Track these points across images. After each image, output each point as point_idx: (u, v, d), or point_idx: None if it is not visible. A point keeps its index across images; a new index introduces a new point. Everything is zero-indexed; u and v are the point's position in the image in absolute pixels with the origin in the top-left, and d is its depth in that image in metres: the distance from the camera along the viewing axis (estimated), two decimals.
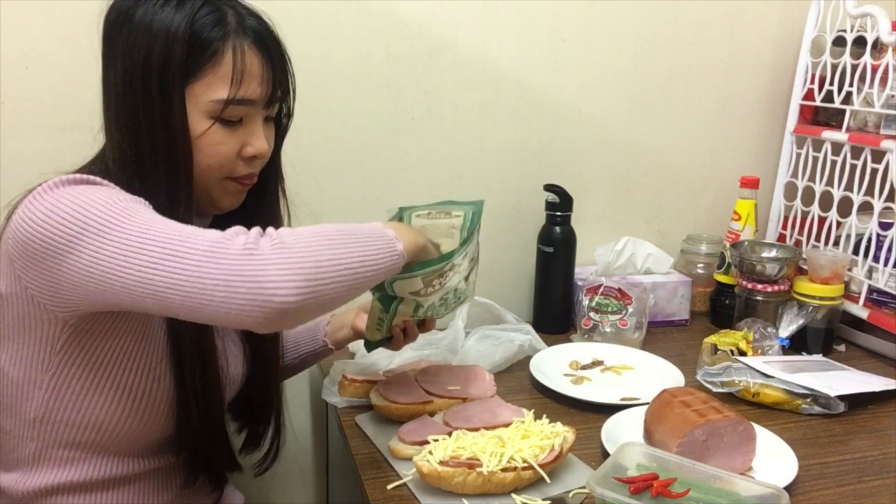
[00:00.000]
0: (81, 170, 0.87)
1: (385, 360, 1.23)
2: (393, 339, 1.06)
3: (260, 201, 0.97)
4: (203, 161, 0.84)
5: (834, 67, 1.43)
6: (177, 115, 0.81)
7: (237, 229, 0.72)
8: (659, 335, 1.44)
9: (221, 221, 0.97)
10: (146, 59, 0.80)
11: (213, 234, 0.70)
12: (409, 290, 0.92)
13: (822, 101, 1.46)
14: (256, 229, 0.72)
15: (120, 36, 0.81)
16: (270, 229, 0.72)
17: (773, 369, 1.17)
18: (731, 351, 1.26)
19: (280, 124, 0.96)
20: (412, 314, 0.98)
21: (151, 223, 0.72)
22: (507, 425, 0.98)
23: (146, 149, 0.81)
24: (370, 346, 1.07)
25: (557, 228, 1.42)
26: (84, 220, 0.72)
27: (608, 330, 1.37)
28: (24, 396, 0.84)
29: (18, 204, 0.78)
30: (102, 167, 0.86)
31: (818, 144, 1.47)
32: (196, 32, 0.81)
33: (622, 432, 1.03)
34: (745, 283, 1.41)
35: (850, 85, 1.39)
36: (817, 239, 1.47)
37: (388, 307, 0.95)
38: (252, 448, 1.08)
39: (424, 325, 1.07)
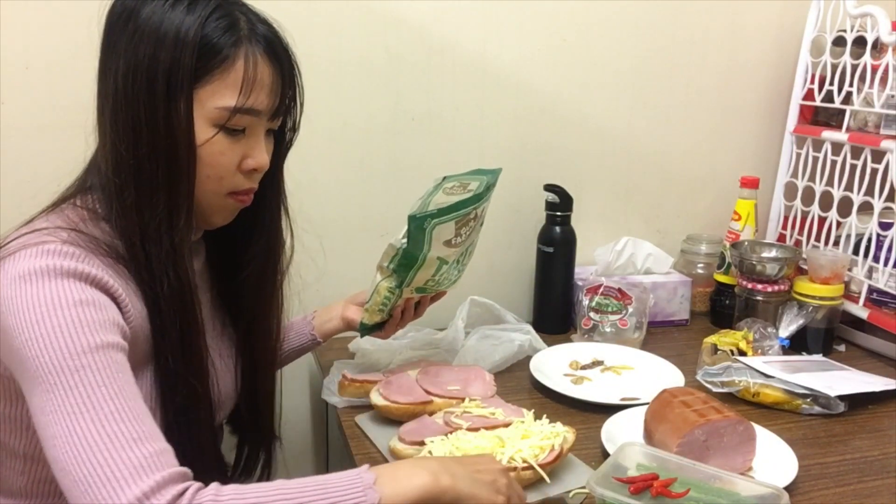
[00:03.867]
0: (73, 186, 0.84)
1: (385, 359, 1.23)
2: (387, 324, 1.08)
3: (261, 221, 0.93)
4: (202, 171, 0.80)
5: (834, 67, 1.43)
6: (182, 120, 0.77)
7: (171, 478, 0.65)
8: (659, 335, 1.44)
9: (215, 240, 0.94)
10: (152, 59, 0.76)
11: (135, 490, 0.63)
12: (443, 239, 0.97)
13: (822, 101, 1.46)
14: (193, 489, 0.65)
15: (124, 33, 0.77)
16: (209, 494, 0.66)
17: (773, 369, 1.17)
18: (731, 351, 1.26)
19: (284, 138, 0.92)
20: (433, 274, 1.02)
21: (92, 406, 0.67)
22: (507, 425, 0.98)
23: (145, 153, 0.77)
24: (365, 330, 1.10)
25: (557, 228, 1.42)
26: (39, 364, 0.68)
27: (608, 330, 1.37)
28: (12, 432, 0.80)
29: (9, 244, 0.73)
30: (95, 172, 0.82)
31: (818, 144, 1.47)
32: (207, 37, 0.77)
33: (622, 432, 1.03)
34: (745, 283, 1.41)
35: (850, 85, 1.38)
36: (817, 239, 1.47)
37: (404, 279, 0.99)
38: (242, 477, 1.04)
39: (417, 309, 1.10)
